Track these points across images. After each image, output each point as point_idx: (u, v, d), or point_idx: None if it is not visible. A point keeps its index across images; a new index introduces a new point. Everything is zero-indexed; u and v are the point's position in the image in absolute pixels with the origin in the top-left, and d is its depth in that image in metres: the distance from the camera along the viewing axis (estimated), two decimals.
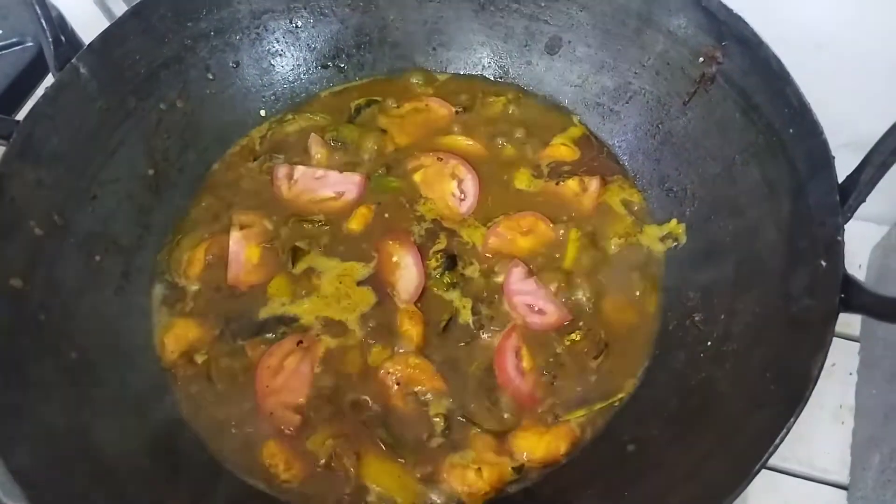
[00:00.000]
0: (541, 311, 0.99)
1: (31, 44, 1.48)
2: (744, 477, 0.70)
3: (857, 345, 1.21)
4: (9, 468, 0.71)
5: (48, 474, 0.75)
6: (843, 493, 1.10)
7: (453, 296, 1.02)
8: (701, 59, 1.01)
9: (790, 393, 0.72)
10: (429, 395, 0.93)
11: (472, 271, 1.04)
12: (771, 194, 0.90)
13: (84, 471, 0.80)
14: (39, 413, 0.81)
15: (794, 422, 0.70)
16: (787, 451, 1.11)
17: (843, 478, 1.11)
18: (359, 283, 1.03)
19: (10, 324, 0.84)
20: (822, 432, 1.14)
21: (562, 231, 1.06)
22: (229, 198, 1.12)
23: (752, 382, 0.81)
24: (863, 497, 1.05)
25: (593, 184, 1.10)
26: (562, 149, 1.16)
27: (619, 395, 0.94)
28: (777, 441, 0.70)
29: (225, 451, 0.92)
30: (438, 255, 1.05)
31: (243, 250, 1.05)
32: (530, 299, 1.00)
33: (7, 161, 0.90)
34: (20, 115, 1.36)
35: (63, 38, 0.99)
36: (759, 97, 0.93)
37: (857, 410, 1.16)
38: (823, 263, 0.78)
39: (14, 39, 1.48)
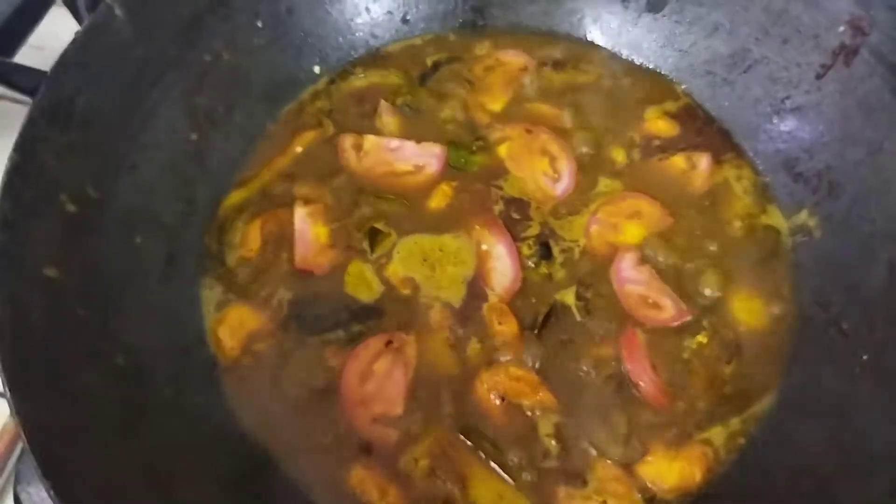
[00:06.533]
0: (655, 305, 0.87)
1: None
2: None
3: None
4: None
5: None
6: None
7: (552, 288, 0.89)
8: (842, 27, 0.89)
9: None
10: (536, 411, 0.81)
11: (572, 261, 0.91)
12: None
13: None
14: (90, 435, 0.67)
15: None
16: None
17: None
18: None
19: (46, 322, 0.69)
20: None
21: (671, 213, 0.94)
22: (286, 168, 0.97)
23: None
24: None
25: (703, 161, 0.98)
26: (658, 123, 1.03)
27: (757, 410, 0.82)
28: None
29: (303, 474, 0.78)
30: (530, 242, 0.92)
31: (309, 229, 0.90)
32: (643, 289, 0.88)
33: (33, 121, 0.74)
34: (18, 58, 1.23)
35: None
36: None
37: None
38: None
39: None
